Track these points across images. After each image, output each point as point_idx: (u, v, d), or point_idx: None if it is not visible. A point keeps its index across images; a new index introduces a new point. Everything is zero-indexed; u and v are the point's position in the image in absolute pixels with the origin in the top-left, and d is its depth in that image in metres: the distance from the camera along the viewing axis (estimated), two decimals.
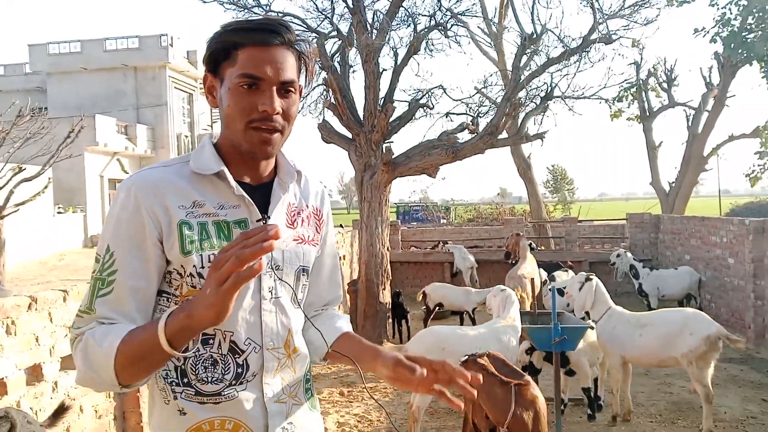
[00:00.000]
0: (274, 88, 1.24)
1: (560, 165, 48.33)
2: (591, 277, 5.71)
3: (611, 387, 5.61)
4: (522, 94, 8.57)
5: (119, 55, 27.17)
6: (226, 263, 0.99)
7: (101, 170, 23.64)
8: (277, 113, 1.24)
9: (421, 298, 9.38)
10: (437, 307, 9.21)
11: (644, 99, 16.18)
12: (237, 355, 1.27)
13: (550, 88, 8.74)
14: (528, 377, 3.41)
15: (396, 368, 1.29)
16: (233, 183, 1.28)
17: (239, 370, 1.28)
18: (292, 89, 1.27)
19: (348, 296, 9.87)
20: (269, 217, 1.32)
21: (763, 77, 13.75)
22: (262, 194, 1.33)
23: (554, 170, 47.73)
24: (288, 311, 1.34)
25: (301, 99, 1.38)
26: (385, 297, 9.31)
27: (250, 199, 1.29)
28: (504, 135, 9.66)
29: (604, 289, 5.69)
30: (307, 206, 1.43)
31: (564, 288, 7.14)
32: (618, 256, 10.08)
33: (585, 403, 5.67)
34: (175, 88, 27.98)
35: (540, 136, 8.54)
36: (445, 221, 27.14)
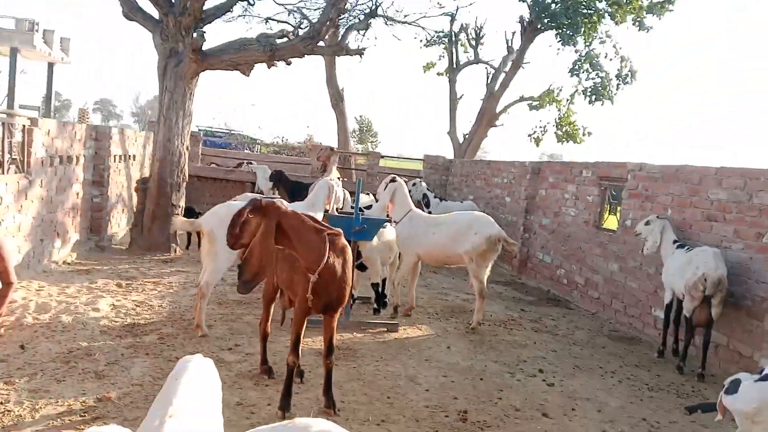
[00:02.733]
0: None
1: (367, 117, 49.55)
2: (396, 179, 5.89)
3: (396, 281, 5.96)
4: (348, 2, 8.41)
5: None
6: None
7: None
8: None
9: None
10: None
11: (453, 51, 17.07)
12: None
13: (374, 5, 8.73)
14: (339, 229, 3.48)
15: None
16: None
17: None
18: None
19: (136, 195, 9.06)
20: None
21: (558, 41, 15.29)
22: None
23: (361, 121, 48.84)
24: None
25: None
26: (179, 199, 8.70)
27: None
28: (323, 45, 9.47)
29: (407, 193, 5.93)
30: None
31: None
32: (414, 184, 10.62)
33: (372, 300, 5.91)
34: None
35: (359, 51, 8.52)
36: (248, 152, 26.29)
